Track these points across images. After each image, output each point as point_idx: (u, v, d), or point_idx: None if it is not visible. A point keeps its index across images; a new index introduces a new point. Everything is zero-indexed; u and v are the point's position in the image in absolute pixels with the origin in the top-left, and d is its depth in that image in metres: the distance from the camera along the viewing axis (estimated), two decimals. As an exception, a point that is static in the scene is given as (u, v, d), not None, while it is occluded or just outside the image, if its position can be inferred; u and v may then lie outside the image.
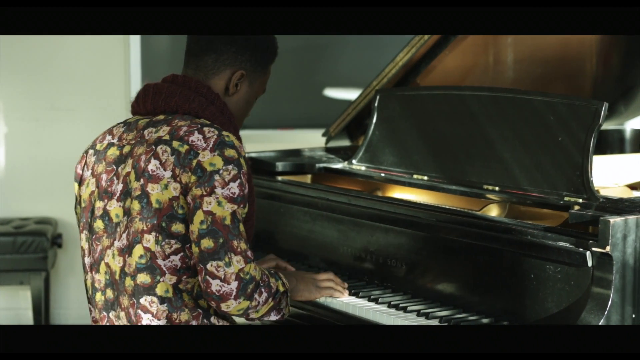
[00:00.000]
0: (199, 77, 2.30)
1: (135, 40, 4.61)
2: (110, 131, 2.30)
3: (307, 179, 3.12)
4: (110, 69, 4.67)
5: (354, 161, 2.97)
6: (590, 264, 2.09)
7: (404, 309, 2.36)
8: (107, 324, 2.22)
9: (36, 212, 4.61)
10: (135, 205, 2.15)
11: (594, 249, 2.08)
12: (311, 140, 3.79)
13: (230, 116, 2.30)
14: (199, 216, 2.09)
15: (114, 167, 2.22)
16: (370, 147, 2.94)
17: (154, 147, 2.16)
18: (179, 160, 2.12)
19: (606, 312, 2.06)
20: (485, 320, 2.29)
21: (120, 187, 2.19)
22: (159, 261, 2.13)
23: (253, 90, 2.38)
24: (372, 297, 2.46)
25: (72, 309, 4.63)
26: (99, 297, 2.23)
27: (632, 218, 2.09)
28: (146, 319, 2.15)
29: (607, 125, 3.62)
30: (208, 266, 2.09)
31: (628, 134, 3.75)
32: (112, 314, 2.22)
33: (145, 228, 2.13)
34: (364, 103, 3.18)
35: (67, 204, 4.54)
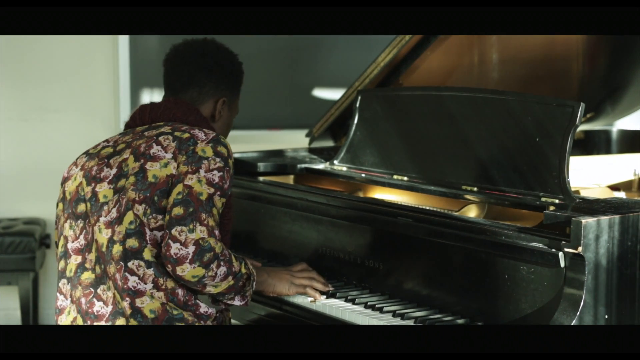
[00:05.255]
0: None
1: (123, 41, 4.60)
2: (105, 140, 2.41)
3: (290, 179, 3.12)
4: (98, 69, 4.67)
5: (335, 162, 2.98)
6: (562, 264, 2.09)
7: (380, 310, 2.37)
8: (94, 299, 2.25)
9: (24, 212, 4.61)
10: (131, 179, 2.25)
11: (566, 249, 2.08)
12: (299, 140, 3.79)
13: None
14: (178, 188, 2.22)
15: (106, 160, 2.32)
16: (352, 148, 2.94)
17: (155, 137, 2.31)
18: (180, 145, 2.26)
19: (578, 313, 2.05)
20: (460, 321, 2.29)
21: (113, 171, 2.30)
22: (146, 229, 2.22)
23: (232, 113, 2.54)
24: (349, 297, 2.46)
25: (60, 309, 4.62)
26: (87, 275, 2.27)
27: (604, 219, 2.09)
28: (133, 281, 2.21)
29: (594, 126, 3.62)
30: (173, 231, 2.18)
31: (614, 134, 3.74)
32: (99, 289, 2.25)
33: (137, 198, 2.23)
34: (347, 104, 3.18)
35: (55, 205, 4.56)
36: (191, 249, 2.16)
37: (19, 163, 4.63)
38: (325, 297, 2.47)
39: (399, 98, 2.86)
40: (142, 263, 2.21)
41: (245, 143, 4.48)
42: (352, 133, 2.95)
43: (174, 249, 2.16)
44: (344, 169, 2.94)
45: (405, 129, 2.80)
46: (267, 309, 2.55)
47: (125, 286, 2.21)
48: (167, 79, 2.49)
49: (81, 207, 2.31)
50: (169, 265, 2.18)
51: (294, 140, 4.29)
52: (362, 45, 4.79)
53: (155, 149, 2.27)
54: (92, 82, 4.67)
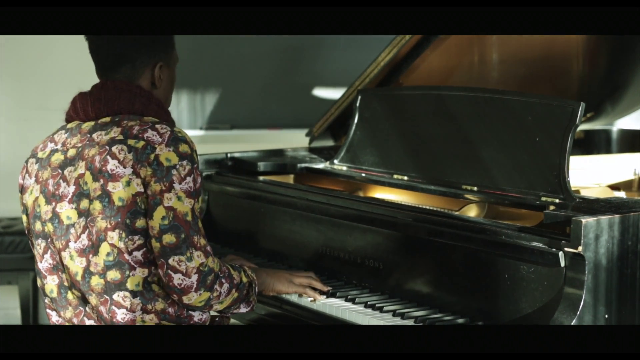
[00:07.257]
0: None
1: (123, 40, 4.60)
2: (51, 139, 2.31)
3: (290, 179, 3.12)
4: (98, 69, 4.66)
5: (335, 161, 2.98)
6: (562, 264, 2.09)
7: (380, 309, 2.36)
8: (85, 317, 2.24)
9: (24, 212, 4.61)
10: (97, 206, 2.17)
11: (566, 249, 2.08)
12: (299, 140, 3.79)
13: (166, 109, 2.34)
14: (160, 212, 2.14)
15: (60, 171, 2.24)
16: (352, 147, 2.94)
17: (107, 147, 2.18)
18: (137, 156, 2.15)
19: (578, 313, 2.05)
20: (460, 321, 2.28)
21: (71, 189, 2.21)
22: (126, 256, 2.17)
23: (172, 68, 2.40)
24: (349, 297, 2.46)
25: (60, 309, 4.62)
26: (71, 295, 2.24)
27: (604, 218, 2.09)
28: (121, 314, 2.18)
29: (594, 125, 3.62)
30: (170, 261, 2.14)
31: (615, 134, 3.75)
32: (87, 307, 2.23)
33: (108, 226, 2.16)
34: (347, 103, 3.18)
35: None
36: (194, 277, 2.14)
37: (19, 163, 4.59)
38: (325, 296, 2.47)
39: (399, 97, 2.87)
40: (127, 294, 2.18)
41: (245, 143, 4.48)
42: (352, 132, 2.95)
43: (177, 279, 2.14)
44: (344, 168, 2.94)
45: (405, 129, 2.80)
46: (267, 308, 2.55)
47: (114, 320, 2.19)
48: (94, 56, 2.36)
49: (38, 226, 2.25)
50: (175, 295, 2.17)
51: (294, 140, 4.28)
52: (362, 45, 4.78)
53: (112, 165, 2.16)
54: (92, 82, 4.64)
